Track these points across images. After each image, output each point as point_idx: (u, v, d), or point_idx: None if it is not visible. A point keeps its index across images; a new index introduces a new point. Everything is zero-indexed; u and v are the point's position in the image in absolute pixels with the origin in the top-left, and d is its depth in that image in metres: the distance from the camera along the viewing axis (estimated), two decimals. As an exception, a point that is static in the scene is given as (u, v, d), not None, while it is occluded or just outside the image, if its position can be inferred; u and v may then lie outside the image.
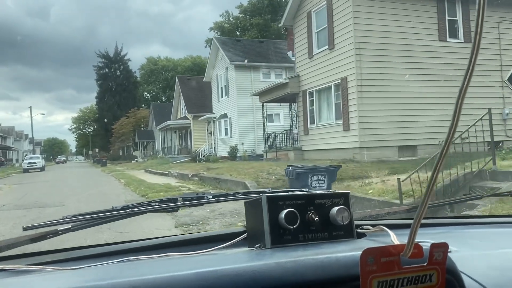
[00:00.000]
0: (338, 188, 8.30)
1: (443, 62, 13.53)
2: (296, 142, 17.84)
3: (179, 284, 0.65)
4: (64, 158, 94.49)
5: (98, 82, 65.91)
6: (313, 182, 7.07)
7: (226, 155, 24.64)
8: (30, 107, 55.87)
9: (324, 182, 7.19)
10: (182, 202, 1.15)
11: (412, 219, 0.59)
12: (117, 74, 65.84)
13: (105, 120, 62.95)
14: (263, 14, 48.45)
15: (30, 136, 68.46)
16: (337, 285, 0.68)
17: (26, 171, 37.64)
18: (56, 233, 1.02)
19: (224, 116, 26.17)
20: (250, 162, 18.85)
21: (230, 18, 54.18)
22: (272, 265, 0.69)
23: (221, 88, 27.39)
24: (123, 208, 1.10)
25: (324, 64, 15.30)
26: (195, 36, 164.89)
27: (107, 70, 65.60)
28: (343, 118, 14.18)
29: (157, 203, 1.13)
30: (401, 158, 13.28)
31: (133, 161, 49.91)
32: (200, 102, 34.41)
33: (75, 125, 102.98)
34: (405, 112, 13.40)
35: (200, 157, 29.41)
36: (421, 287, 0.63)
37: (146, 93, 73.72)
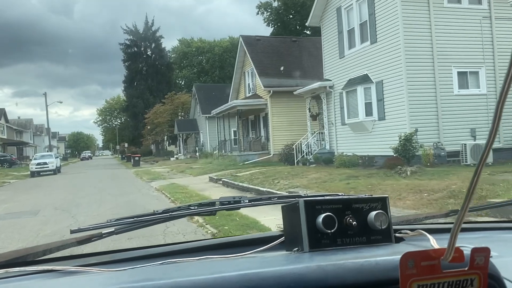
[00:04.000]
0: None
1: None
2: None
3: (224, 285, 0.66)
4: (89, 154, 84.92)
5: (126, 64, 54.98)
6: None
7: (385, 153, 12.91)
8: (45, 93, 45.48)
9: None
10: (219, 206, 1.13)
11: (450, 223, 0.56)
12: (148, 53, 54.88)
13: (135, 108, 52.22)
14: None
15: (51, 129, 58.37)
16: None
17: (34, 174, 28.72)
18: (100, 236, 1.03)
19: (363, 80, 14.21)
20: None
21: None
22: (313, 268, 0.70)
23: (349, 31, 15.40)
24: (163, 211, 1.09)
25: None
26: (216, 30, 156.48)
27: (136, 49, 54.59)
28: None
29: (196, 207, 1.13)
30: None
31: (171, 159, 39.34)
32: (281, 71, 22.77)
33: (100, 118, 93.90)
34: None
35: (303, 156, 17.74)
36: None
37: (179, 79, 63.74)
